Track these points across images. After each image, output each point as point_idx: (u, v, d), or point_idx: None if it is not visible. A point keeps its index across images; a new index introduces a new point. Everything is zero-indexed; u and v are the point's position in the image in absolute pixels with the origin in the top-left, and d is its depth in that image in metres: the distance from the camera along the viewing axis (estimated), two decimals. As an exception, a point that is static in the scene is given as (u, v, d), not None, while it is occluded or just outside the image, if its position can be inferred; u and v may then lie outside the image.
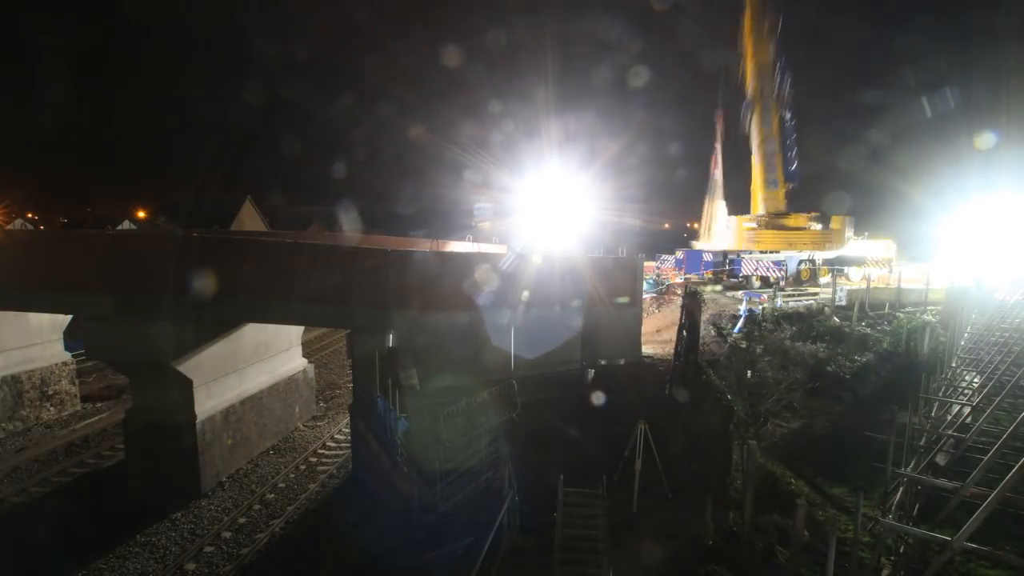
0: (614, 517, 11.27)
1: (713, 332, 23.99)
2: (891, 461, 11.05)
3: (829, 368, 23.15)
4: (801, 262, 35.24)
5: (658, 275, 37.75)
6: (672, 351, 19.40)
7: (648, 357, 21.96)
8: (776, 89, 36.31)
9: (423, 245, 36.02)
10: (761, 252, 35.76)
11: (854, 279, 35.97)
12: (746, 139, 38.33)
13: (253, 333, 22.30)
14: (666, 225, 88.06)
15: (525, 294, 19.01)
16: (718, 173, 41.49)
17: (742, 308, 28.88)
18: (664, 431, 14.95)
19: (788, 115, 36.88)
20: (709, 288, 34.08)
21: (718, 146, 40.58)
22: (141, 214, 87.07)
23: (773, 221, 37.27)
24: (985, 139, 50.15)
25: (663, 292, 32.76)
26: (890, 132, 66.12)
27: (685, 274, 37.19)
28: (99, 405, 27.59)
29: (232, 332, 20.70)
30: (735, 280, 35.49)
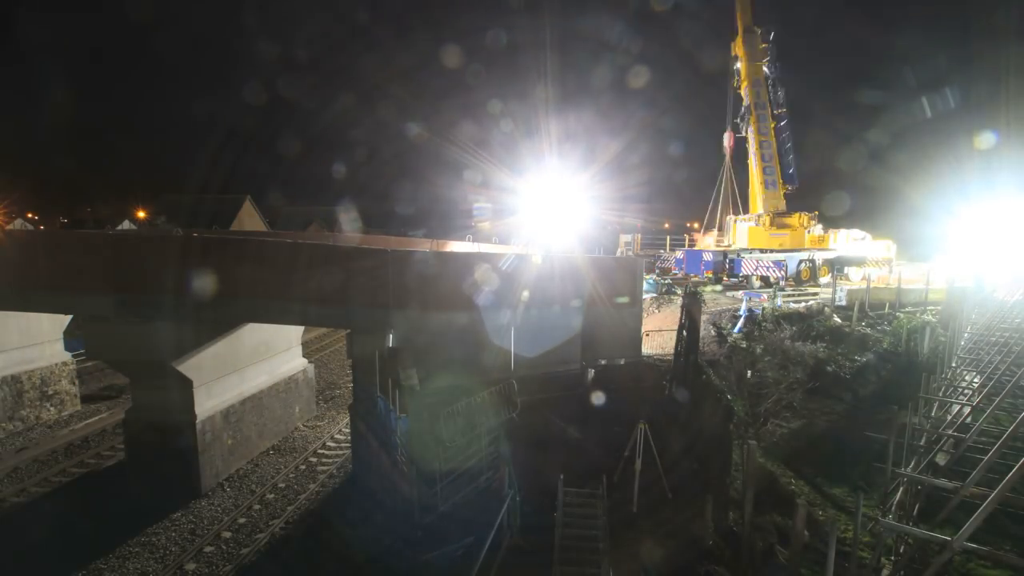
0: (614, 517, 11.27)
1: (713, 332, 23.99)
2: (891, 461, 11.06)
3: (829, 368, 23.16)
4: (801, 262, 35.21)
5: (659, 273, 37.80)
6: (672, 351, 19.40)
7: (648, 357, 21.97)
8: (771, 97, 37.46)
9: (423, 245, 36.02)
10: (761, 252, 35.75)
11: (854, 279, 35.94)
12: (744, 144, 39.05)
13: (253, 333, 22.30)
14: (666, 225, 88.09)
15: (525, 294, 19.02)
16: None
17: (742, 308, 28.89)
18: (664, 431, 14.94)
19: (783, 123, 38.00)
20: (709, 288, 34.08)
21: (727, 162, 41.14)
22: (141, 214, 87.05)
23: (772, 220, 37.52)
24: (985, 139, 50.16)
25: (664, 292, 32.74)
26: (890, 132, 66.13)
27: (685, 273, 37.19)
28: (99, 405, 27.60)
29: (232, 332, 20.70)
30: (735, 280, 35.47)
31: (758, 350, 21.37)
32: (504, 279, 18.73)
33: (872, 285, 32.11)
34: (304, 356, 28.24)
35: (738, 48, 37.77)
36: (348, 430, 21.10)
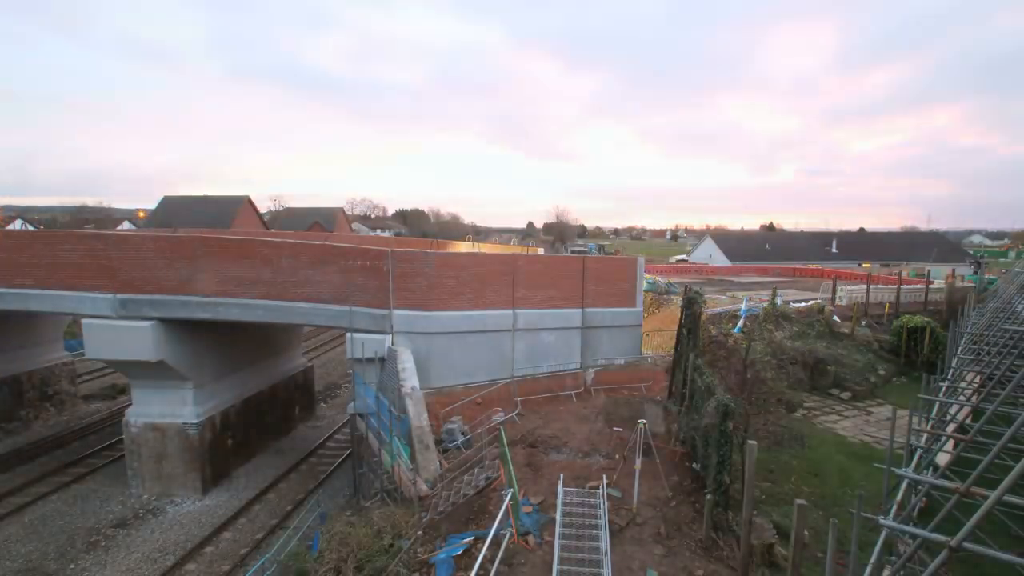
0: (614, 517, 11.27)
1: (713, 332, 23.98)
2: (891, 461, 11.07)
3: (829, 367, 23.18)
4: None
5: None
6: (671, 350, 19.39)
7: (647, 357, 21.98)
8: None
9: (423, 245, 36.01)
10: None
11: None
12: None
13: (253, 333, 22.31)
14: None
15: (525, 294, 19.05)
16: None
17: (742, 307, 28.94)
18: (664, 431, 14.95)
19: None
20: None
21: None
22: (141, 214, 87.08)
23: None
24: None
25: (663, 292, 32.74)
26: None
27: None
28: (99, 405, 27.62)
29: (232, 332, 20.71)
30: None
31: (758, 349, 21.36)
32: (504, 279, 18.74)
33: (872, 285, 32.11)
34: (304, 356, 28.25)
35: None
36: (348, 430, 21.11)
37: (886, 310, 30.58)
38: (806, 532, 9.85)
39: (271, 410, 23.74)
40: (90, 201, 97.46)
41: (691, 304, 16.42)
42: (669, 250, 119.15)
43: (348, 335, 17.75)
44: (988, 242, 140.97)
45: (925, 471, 10.47)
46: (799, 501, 8.43)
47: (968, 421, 14.51)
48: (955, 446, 11.30)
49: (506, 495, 10.92)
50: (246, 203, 75.17)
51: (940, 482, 7.38)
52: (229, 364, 21.07)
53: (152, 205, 79.76)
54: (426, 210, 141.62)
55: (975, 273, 41.93)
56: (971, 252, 78.62)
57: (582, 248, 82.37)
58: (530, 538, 10.47)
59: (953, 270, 47.53)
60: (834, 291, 32.53)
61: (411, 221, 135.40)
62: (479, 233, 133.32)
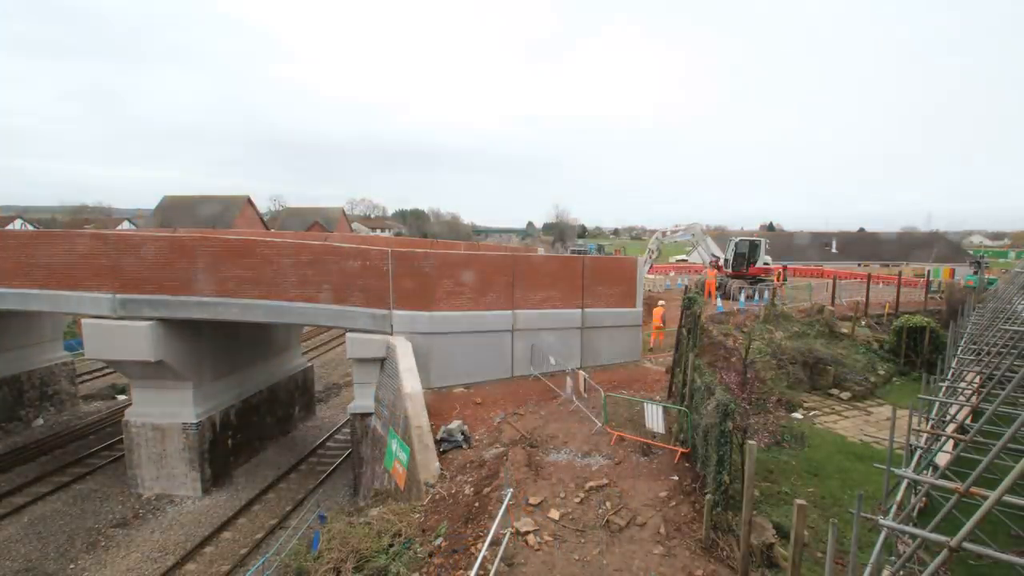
0: (614, 517, 11.26)
1: (714, 331, 23.98)
2: (891, 461, 11.07)
3: (828, 367, 23.19)
4: None
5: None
6: (671, 350, 19.39)
7: (648, 358, 21.98)
8: None
9: (423, 245, 36.01)
10: None
11: None
12: None
13: (253, 333, 22.30)
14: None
15: (525, 294, 19.04)
16: None
17: (741, 304, 29.06)
18: (664, 431, 14.92)
19: None
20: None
21: None
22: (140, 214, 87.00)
23: None
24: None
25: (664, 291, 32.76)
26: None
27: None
28: (99, 405, 27.62)
29: (232, 332, 20.71)
30: None
31: (757, 348, 21.36)
32: (504, 279, 18.74)
33: (872, 284, 32.13)
34: (304, 356, 28.25)
35: None
36: (348, 430, 21.12)
37: (886, 310, 30.60)
38: (806, 532, 9.83)
39: (271, 410, 23.74)
40: (90, 201, 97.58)
41: (691, 304, 16.40)
42: (669, 250, 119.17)
43: (348, 335, 17.74)
44: (988, 242, 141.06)
45: (925, 471, 10.46)
46: (799, 501, 8.42)
47: (968, 421, 14.50)
48: (955, 446, 11.30)
49: (506, 495, 10.92)
50: (246, 203, 75.20)
51: (940, 482, 7.37)
52: (229, 364, 21.07)
53: (152, 205, 79.73)
54: (426, 210, 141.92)
55: (975, 273, 41.93)
56: (971, 252, 78.68)
57: (582, 248, 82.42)
58: (530, 538, 10.46)
59: (953, 270, 47.60)
60: (834, 291, 32.54)
61: (411, 221, 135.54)
62: (479, 233, 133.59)
